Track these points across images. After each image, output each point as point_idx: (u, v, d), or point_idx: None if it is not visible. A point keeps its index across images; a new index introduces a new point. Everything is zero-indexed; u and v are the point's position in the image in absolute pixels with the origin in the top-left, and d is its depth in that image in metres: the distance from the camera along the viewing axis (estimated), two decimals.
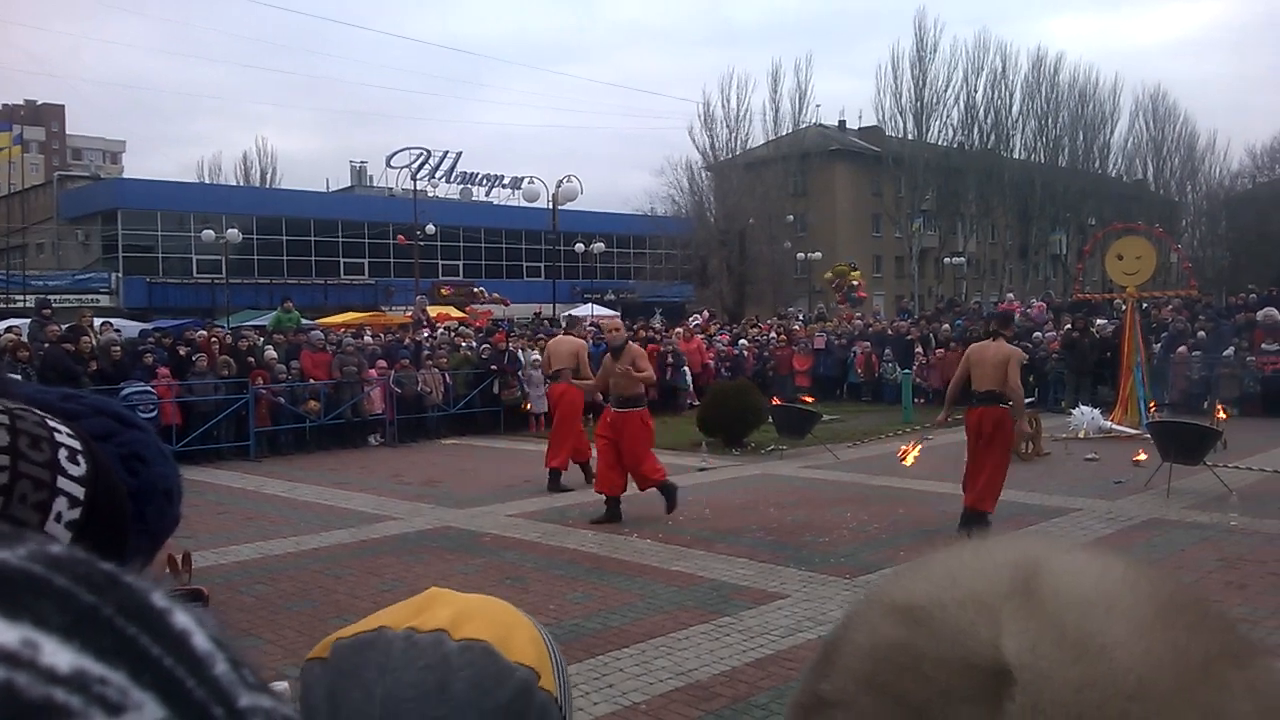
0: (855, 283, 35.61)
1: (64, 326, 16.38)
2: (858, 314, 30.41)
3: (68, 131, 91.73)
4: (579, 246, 41.09)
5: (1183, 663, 0.44)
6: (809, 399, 18.13)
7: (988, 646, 0.44)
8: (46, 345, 15.26)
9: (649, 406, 11.06)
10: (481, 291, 38.67)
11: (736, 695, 5.55)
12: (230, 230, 36.19)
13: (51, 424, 0.88)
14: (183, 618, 0.37)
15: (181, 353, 16.59)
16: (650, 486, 10.36)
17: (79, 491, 0.85)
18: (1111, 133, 62.20)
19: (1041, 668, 0.43)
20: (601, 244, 42.32)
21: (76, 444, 0.88)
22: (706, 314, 32.20)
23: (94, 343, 16.41)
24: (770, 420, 15.90)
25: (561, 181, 31.89)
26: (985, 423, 9.17)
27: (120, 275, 41.51)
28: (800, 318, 30.59)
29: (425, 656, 0.83)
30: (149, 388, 15.14)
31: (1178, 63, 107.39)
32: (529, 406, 19.02)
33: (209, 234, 36.21)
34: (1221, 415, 13.70)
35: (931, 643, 0.46)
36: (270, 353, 17.42)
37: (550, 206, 33.18)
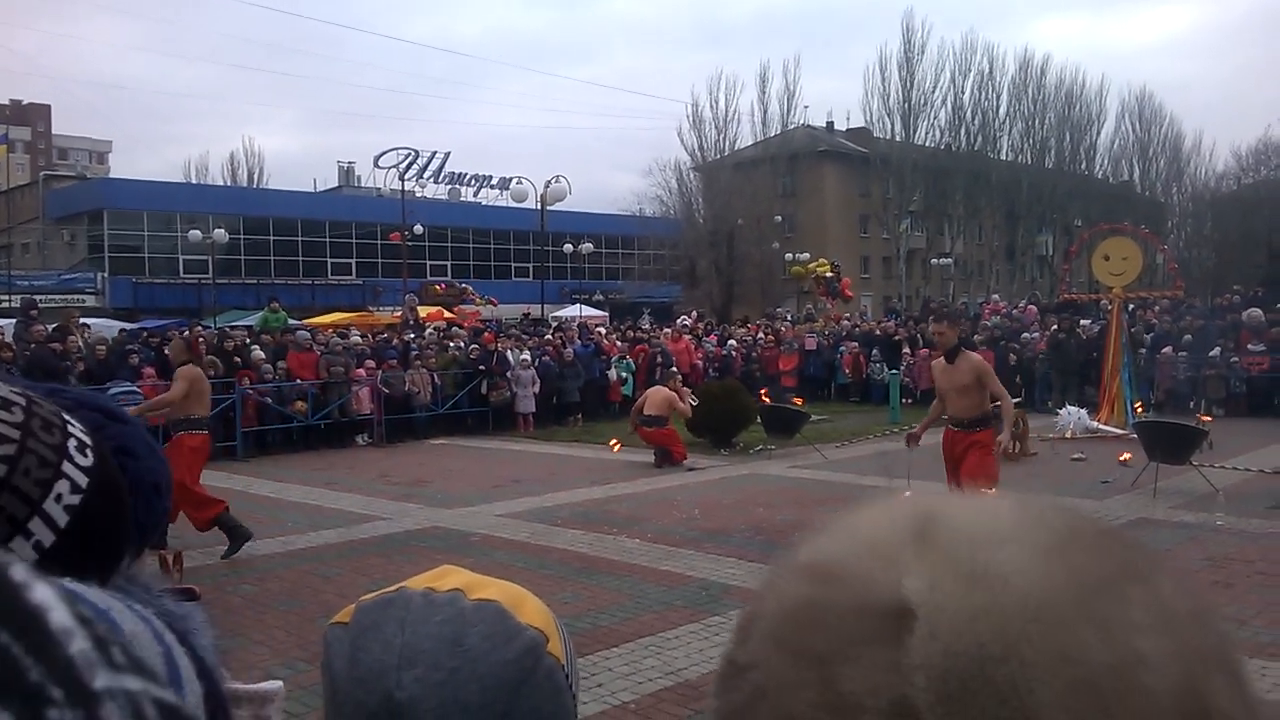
0: (829, 275, 35.56)
1: (50, 327, 16.31)
2: (845, 314, 30.47)
3: (54, 131, 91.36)
4: (567, 247, 41.07)
5: (1080, 583, 0.45)
6: (797, 399, 18.17)
7: (888, 589, 0.45)
8: (32, 345, 15.19)
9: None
10: (470, 290, 38.58)
11: None
12: (217, 230, 36.04)
13: (66, 416, 0.90)
14: (43, 592, 0.35)
15: (167, 353, 16.51)
16: None
17: (83, 480, 0.87)
18: (1098, 134, 62.60)
19: (940, 600, 0.44)
20: (590, 244, 42.32)
21: (88, 439, 0.90)
22: (695, 314, 32.22)
23: (80, 343, 16.34)
24: (759, 420, 15.93)
25: (550, 182, 31.87)
26: (957, 445, 8.04)
27: (106, 275, 41.32)
28: (789, 318, 30.62)
29: (442, 612, 0.88)
30: (135, 388, 15.03)
31: (1164, 64, 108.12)
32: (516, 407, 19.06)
33: (195, 234, 36.07)
34: (1207, 417, 13.79)
35: (834, 594, 0.47)
36: (257, 353, 17.38)
37: (539, 207, 33.15)
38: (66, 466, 0.86)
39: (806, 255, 40.57)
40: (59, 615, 0.35)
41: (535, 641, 0.89)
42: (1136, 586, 0.46)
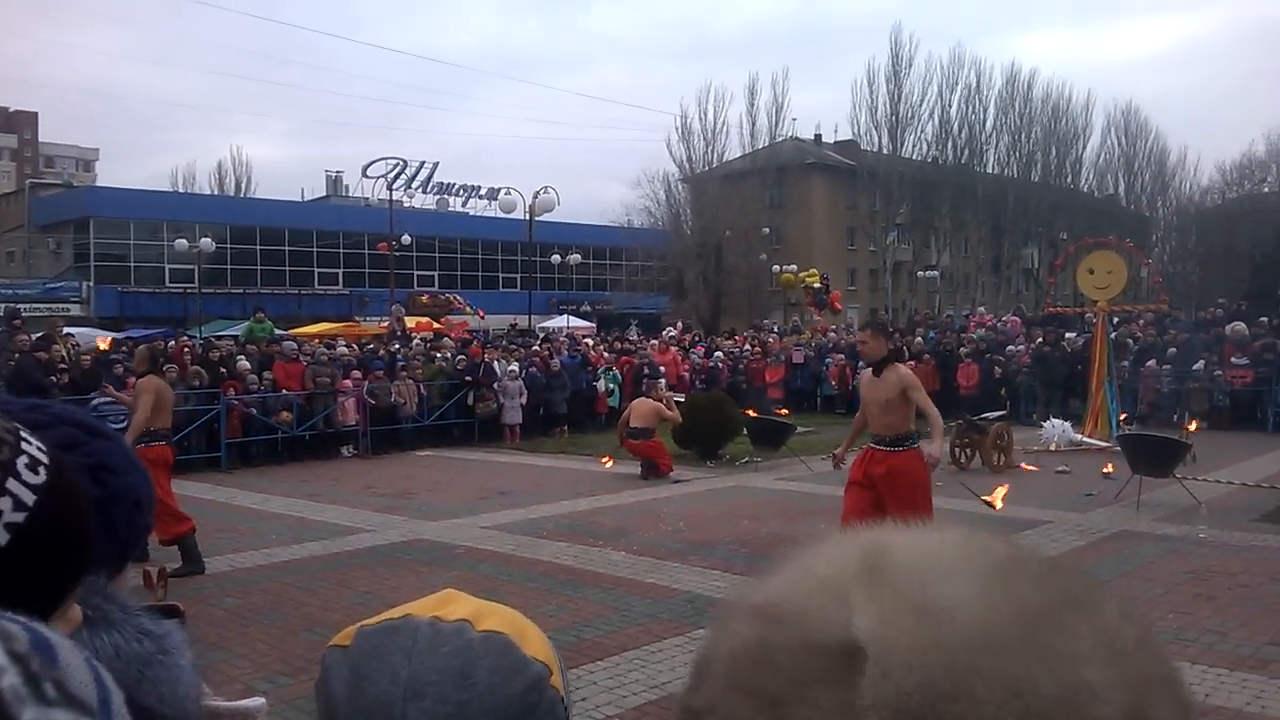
0: (818, 285, 35.62)
1: (34, 336, 16.22)
2: (832, 326, 30.53)
3: (40, 139, 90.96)
4: (555, 258, 41.07)
5: (1025, 614, 0.45)
6: (783, 411, 18.20)
7: (838, 628, 0.45)
8: (16, 355, 15.11)
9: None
10: (457, 300, 38.51)
11: None
12: (203, 239, 35.92)
13: (22, 433, 0.88)
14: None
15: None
16: None
17: (28, 498, 0.86)
18: (1084, 148, 62.92)
19: (890, 637, 0.44)
20: (578, 255, 42.33)
21: (44, 457, 0.89)
22: (682, 326, 32.25)
23: (64, 352, 16.26)
24: (745, 432, 15.94)
25: (538, 193, 31.86)
26: (876, 464, 7.29)
27: (92, 284, 41.13)
28: (775, 330, 30.67)
29: (449, 643, 0.87)
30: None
31: (1149, 79, 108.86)
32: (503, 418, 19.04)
33: (182, 243, 35.95)
34: (1191, 428, 13.86)
35: (784, 634, 0.46)
36: (243, 363, 17.31)
37: (527, 217, 33.15)
38: (11, 484, 0.85)
39: (794, 266, 40.68)
40: None
41: (540, 675, 0.89)
42: (1081, 616, 0.46)
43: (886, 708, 0.43)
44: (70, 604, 0.93)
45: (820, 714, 0.44)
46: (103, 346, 18.62)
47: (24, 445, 0.88)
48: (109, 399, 14.73)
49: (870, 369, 7.46)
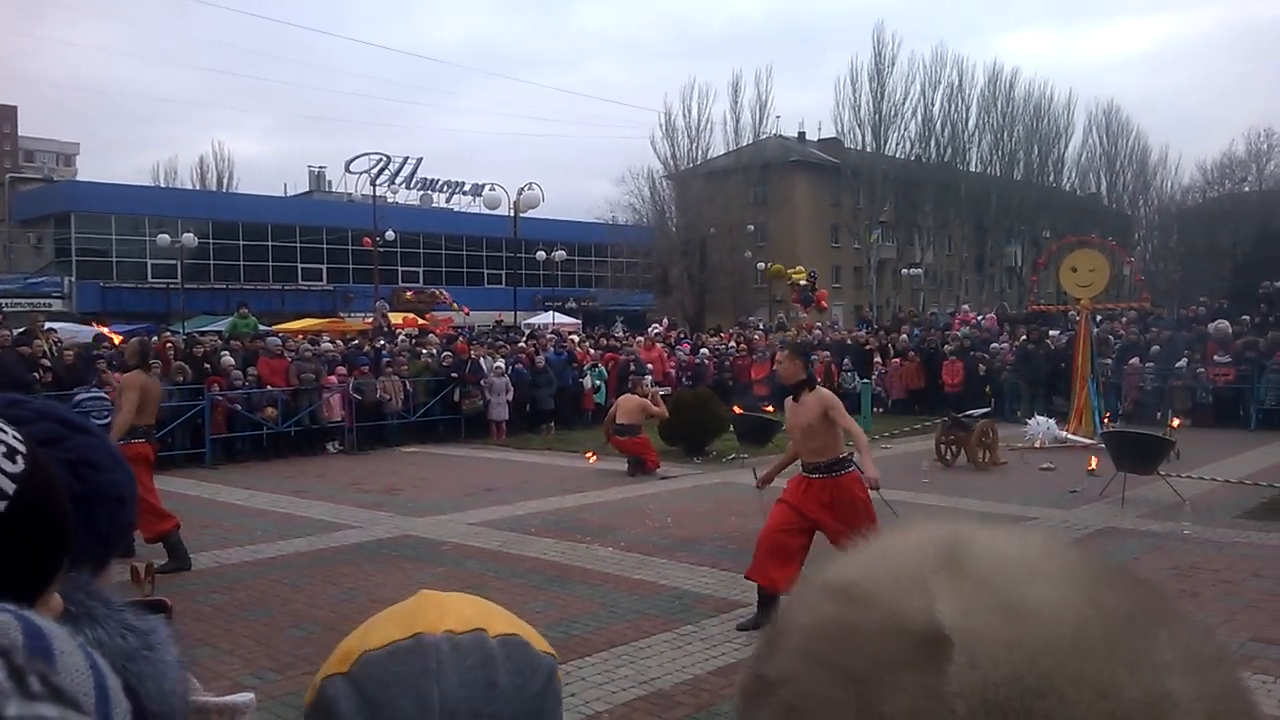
0: (803, 281, 35.65)
1: (15, 331, 16.09)
2: (817, 323, 30.59)
3: (20, 133, 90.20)
4: (540, 254, 41.03)
5: (1110, 618, 0.46)
6: (769, 408, 18.22)
7: (922, 614, 0.46)
8: None
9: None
10: (443, 294, 38.39)
11: (699, 704, 5.55)
12: (186, 234, 35.72)
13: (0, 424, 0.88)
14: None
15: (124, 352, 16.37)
16: None
17: (8, 486, 0.85)
18: (1066, 147, 63.23)
19: (975, 629, 0.45)
20: (563, 252, 42.29)
21: (19, 445, 0.88)
22: (667, 322, 32.26)
23: (46, 347, 16.14)
24: (731, 429, 15.96)
25: (523, 189, 31.86)
26: (822, 492, 6.94)
27: (73, 279, 40.86)
28: (760, 327, 30.71)
29: (471, 656, 0.85)
30: (102, 394, 14.86)
31: (1131, 79, 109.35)
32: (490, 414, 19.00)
33: (164, 238, 35.75)
34: (1175, 424, 13.96)
35: (867, 615, 0.47)
36: (227, 359, 17.22)
37: (511, 214, 33.11)
38: None
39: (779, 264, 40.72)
40: None
41: (552, 668, 0.90)
42: (1163, 626, 0.47)
43: (974, 697, 0.43)
44: (51, 593, 0.92)
45: (906, 697, 0.44)
46: (115, 338, 18.45)
47: (1, 435, 0.87)
48: (92, 394, 14.65)
49: (790, 395, 7.13)
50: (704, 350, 24.60)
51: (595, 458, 15.38)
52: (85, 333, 21.99)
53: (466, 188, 52.21)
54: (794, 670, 0.49)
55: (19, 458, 0.87)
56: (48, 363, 15.68)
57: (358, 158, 50.32)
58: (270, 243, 46.69)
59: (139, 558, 7.87)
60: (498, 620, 0.90)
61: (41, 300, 37.01)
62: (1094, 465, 13.10)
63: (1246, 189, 60.42)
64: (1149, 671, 0.45)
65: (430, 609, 0.89)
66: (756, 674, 0.51)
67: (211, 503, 12.48)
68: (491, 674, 0.85)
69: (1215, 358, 20.26)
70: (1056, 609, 0.46)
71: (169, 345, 17.45)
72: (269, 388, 17.05)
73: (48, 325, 18.56)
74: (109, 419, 14.42)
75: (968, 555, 0.49)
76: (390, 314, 28.08)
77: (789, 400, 7.16)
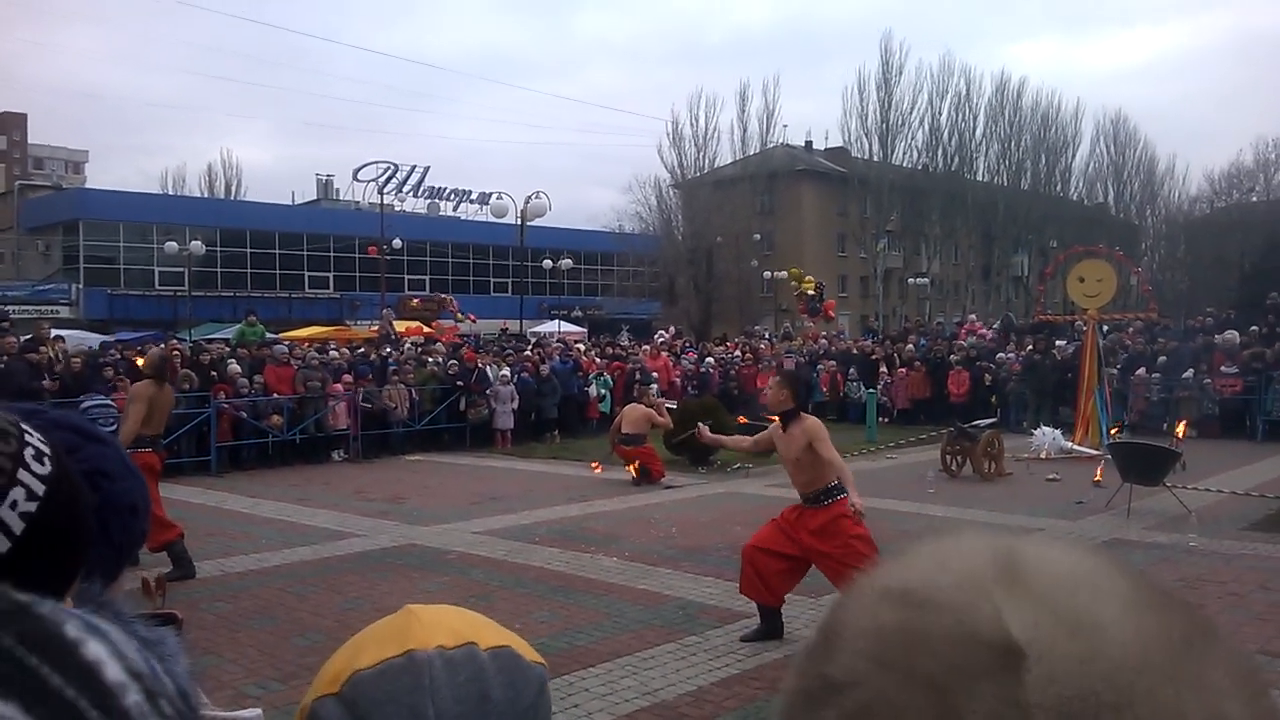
0: (811, 291, 35.64)
1: (22, 338, 16.15)
2: (823, 333, 30.57)
3: (30, 140, 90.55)
4: (546, 263, 41.08)
5: (1172, 640, 0.47)
6: (774, 417, 18.19)
7: (993, 624, 0.47)
8: (6, 358, 15.05)
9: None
10: (450, 300, 38.41)
11: (703, 715, 5.54)
12: (194, 242, 35.87)
13: (24, 425, 0.90)
14: (96, 648, 0.37)
15: (140, 361, 16.41)
16: None
17: (39, 488, 0.87)
18: (1073, 157, 63.23)
19: (1046, 642, 0.46)
20: (569, 260, 42.34)
21: (45, 448, 0.90)
22: (674, 331, 32.26)
23: (52, 354, 16.19)
24: None
25: (530, 197, 31.90)
26: (812, 520, 6.81)
27: (81, 286, 41.01)
28: (766, 336, 30.71)
29: (464, 670, 0.86)
30: (109, 401, 14.87)
31: (1138, 89, 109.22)
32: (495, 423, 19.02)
33: (172, 246, 35.85)
34: (1180, 433, 13.90)
35: (936, 621, 0.48)
36: (234, 366, 17.25)
37: (518, 222, 33.16)
38: (23, 474, 0.86)
39: (785, 275, 40.75)
40: (113, 670, 0.38)
41: (542, 678, 0.91)
42: (1217, 650, 0.48)
43: (1053, 710, 0.44)
44: (69, 597, 0.93)
45: (989, 705, 0.45)
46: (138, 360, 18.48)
47: (27, 438, 0.89)
48: (99, 402, 14.67)
49: (780, 418, 6.95)
50: (710, 359, 24.58)
51: (600, 468, 15.40)
52: (91, 339, 22.05)
53: (473, 196, 52.34)
54: (863, 673, 0.49)
55: (47, 460, 0.89)
56: (56, 370, 15.73)
57: (365, 166, 50.50)
58: (278, 250, 46.83)
59: (144, 567, 7.90)
60: (487, 633, 0.90)
61: (49, 307, 37.13)
62: (1100, 476, 13.06)
63: (1254, 199, 60.31)
64: (1211, 695, 0.46)
65: (419, 625, 0.89)
66: (820, 674, 0.51)
67: (217, 510, 12.50)
68: (485, 687, 0.85)
69: (1222, 369, 20.19)
70: (1122, 627, 0.47)
71: (175, 352, 17.49)
72: (275, 395, 17.08)
73: (54, 333, 18.63)
74: (115, 427, 14.50)
75: (1024, 567, 0.49)
76: (395, 322, 28.10)
77: (778, 428, 6.98)
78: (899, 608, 0.49)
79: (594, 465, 15.67)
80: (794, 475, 6.97)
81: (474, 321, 34.44)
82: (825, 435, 6.81)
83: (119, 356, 17.82)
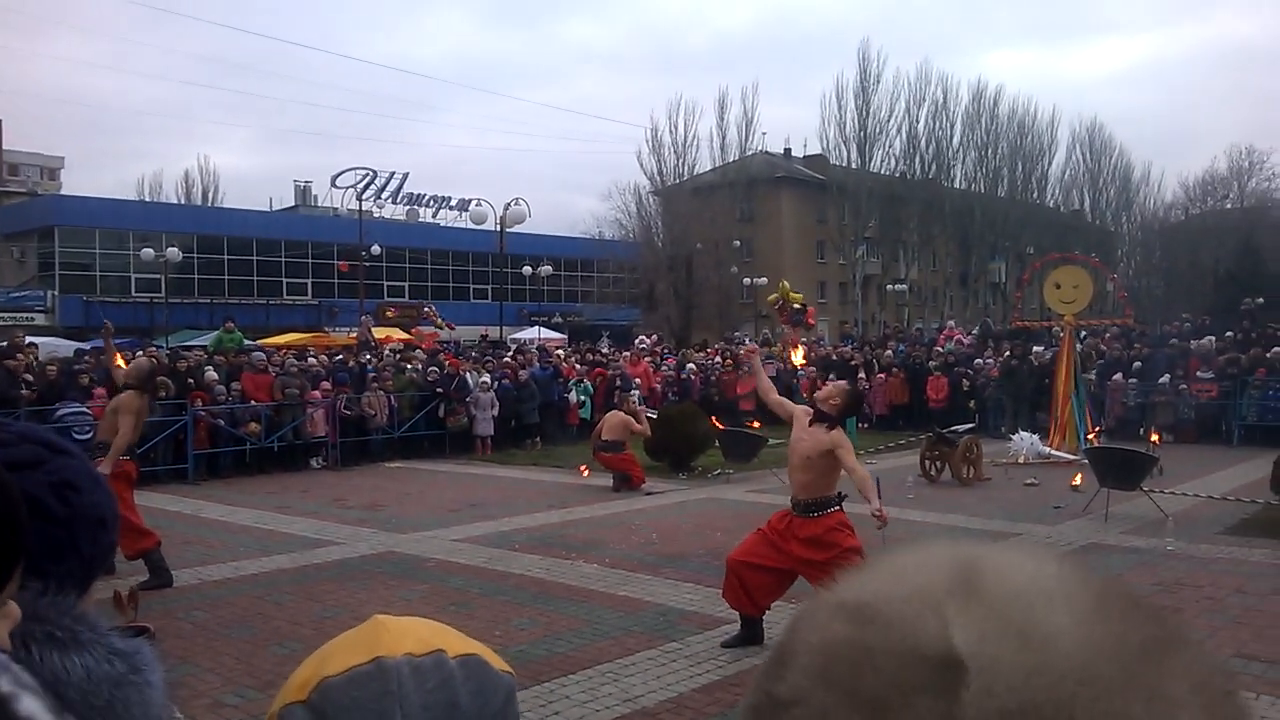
0: (798, 305, 35.75)
1: None
2: (803, 339, 30.64)
3: (4, 146, 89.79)
4: (526, 269, 41.01)
5: (1123, 648, 0.46)
6: (755, 423, 18.24)
7: (937, 638, 0.46)
8: None
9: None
10: (431, 311, 38.31)
11: None
12: (170, 249, 35.58)
13: None
14: (29, 704, 0.38)
15: (124, 367, 16.26)
16: None
17: None
18: (1049, 164, 63.63)
19: (991, 656, 0.45)
20: (549, 267, 42.28)
21: None
22: (655, 337, 32.27)
23: (27, 362, 16.05)
24: (717, 444, 15.96)
25: (509, 204, 31.89)
26: (800, 530, 6.68)
27: (56, 293, 40.63)
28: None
29: (432, 678, 0.85)
30: (84, 409, 14.79)
31: (1113, 96, 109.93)
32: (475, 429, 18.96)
33: (148, 252, 35.59)
34: (1155, 440, 14.03)
35: (882, 637, 0.47)
36: (210, 374, 17.12)
37: (498, 229, 33.12)
38: None
39: (765, 280, 40.85)
40: None
41: (511, 686, 0.91)
42: (1176, 658, 0.47)
43: None
44: (5, 600, 0.91)
45: None
46: (120, 362, 18.32)
47: None
48: (74, 409, 14.56)
49: (813, 413, 6.76)
50: (690, 365, 24.59)
51: (588, 472, 15.38)
52: (64, 346, 21.86)
53: (453, 203, 52.17)
54: (806, 691, 0.48)
55: None
56: (29, 377, 15.59)
57: (344, 172, 50.26)
58: (255, 257, 46.53)
59: (120, 575, 7.83)
60: (455, 641, 0.90)
61: (24, 314, 36.81)
62: (1078, 482, 13.13)
63: (1228, 206, 61.00)
64: (1162, 705, 0.45)
65: (387, 633, 0.89)
66: (766, 691, 0.50)
67: (194, 519, 12.40)
68: (453, 695, 0.85)
69: (1198, 374, 20.37)
70: (1073, 637, 0.46)
71: (152, 359, 17.34)
72: (253, 403, 16.96)
73: (29, 340, 18.48)
74: (90, 434, 14.37)
75: (982, 578, 0.49)
76: (374, 329, 28.00)
77: (802, 416, 6.82)
78: (849, 623, 0.49)
79: (582, 469, 15.64)
80: (796, 473, 6.79)
81: (452, 329, 34.39)
82: (851, 447, 6.73)
83: (94, 364, 17.65)
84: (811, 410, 6.87)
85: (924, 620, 0.47)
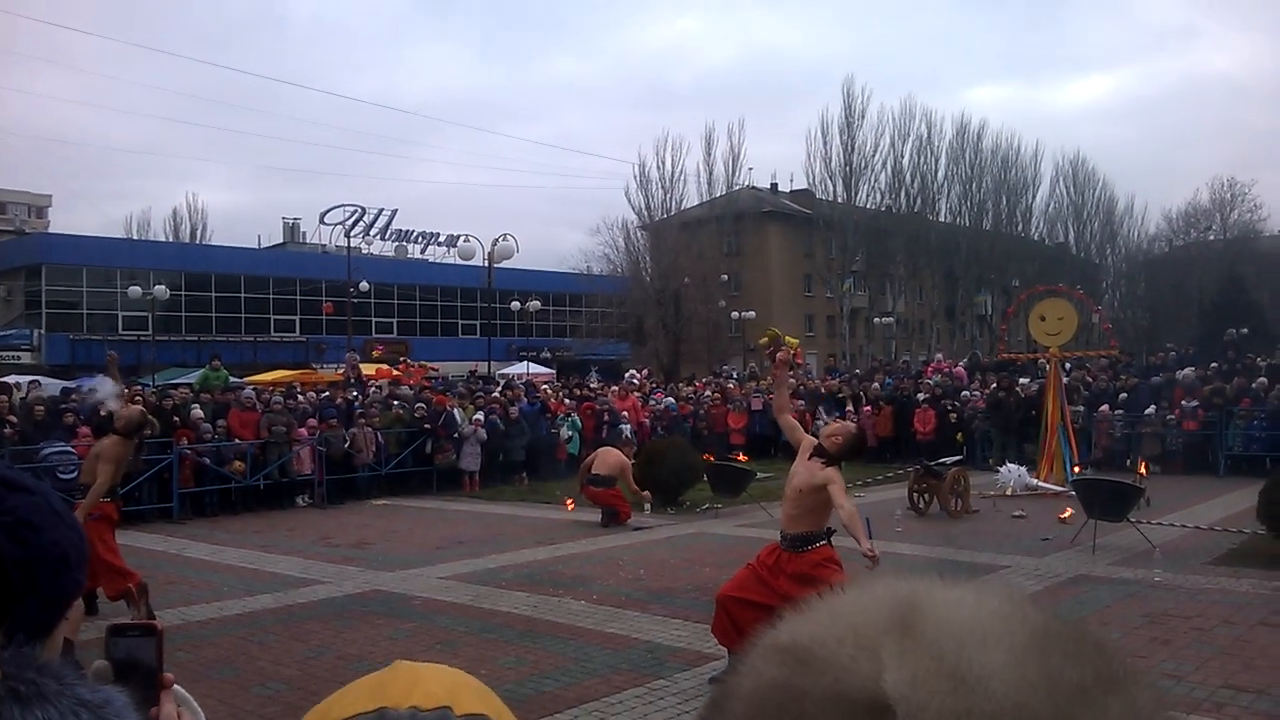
0: (793, 351, 35.81)
1: None
2: (791, 373, 30.67)
3: None
4: (515, 305, 41.05)
5: (1058, 689, 0.45)
6: (743, 457, 18.21)
7: (868, 681, 0.45)
8: None
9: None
10: (406, 362, 38.32)
11: None
12: (158, 286, 35.56)
13: None
14: None
15: (104, 412, 16.16)
16: None
17: None
18: (1033, 197, 64.00)
19: (920, 700, 0.44)
20: (537, 302, 42.33)
21: None
22: (645, 372, 32.25)
23: (10, 401, 15.96)
24: (705, 479, 15.92)
25: (497, 240, 31.90)
26: (787, 565, 6.68)
27: (43, 332, 40.51)
28: (734, 376, 30.78)
29: None
30: (69, 448, 14.69)
31: (1096, 130, 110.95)
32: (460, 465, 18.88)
33: (135, 290, 35.54)
34: (1142, 471, 14.05)
35: (812, 680, 0.46)
36: (196, 411, 17.04)
37: (486, 264, 33.14)
38: None
39: (753, 314, 40.99)
40: None
41: None
42: (1114, 696, 0.46)
43: None
44: None
45: None
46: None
47: None
48: (59, 449, 14.46)
49: (815, 448, 6.73)
50: (670, 400, 24.54)
51: (573, 505, 15.34)
52: (51, 386, 21.74)
53: (441, 239, 52.29)
54: None
55: None
56: (12, 409, 15.50)
57: (332, 209, 50.41)
58: (243, 294, 46.51)
59: (102, 615, 7.75)
60: (467, 698, 0.87)
61: (10, 353, 36.64)
62: (1067, 516, 13.12)
63: (1211, 237, 61.41)
64: None
65: (399, 682, 0.87)
66: None
67: (178, 558, 12.30)
68: None
69: (1184, 404, 20.45)
70: (1005, 678, 0.45)
71: (138, 398, 17.27)
72: (238, 441, 16.87)
73: (14, 379, 18.38)
74: (74, 474, 14.25)
75: (921, 616, 0.48)
76: (362, 365, 27.93)
77: (806, 447, 6.78)
78: (782, 667, 0.48)
79: (568, 503, 15.60)
80: (788, 505, 6.79)
81: (437, 370, 34.32)
82: (843, 484, 6.67)
83: (79, 403, 17.56)
84: (812, 445, 6.85)
85: (856, 663, 0.46)
